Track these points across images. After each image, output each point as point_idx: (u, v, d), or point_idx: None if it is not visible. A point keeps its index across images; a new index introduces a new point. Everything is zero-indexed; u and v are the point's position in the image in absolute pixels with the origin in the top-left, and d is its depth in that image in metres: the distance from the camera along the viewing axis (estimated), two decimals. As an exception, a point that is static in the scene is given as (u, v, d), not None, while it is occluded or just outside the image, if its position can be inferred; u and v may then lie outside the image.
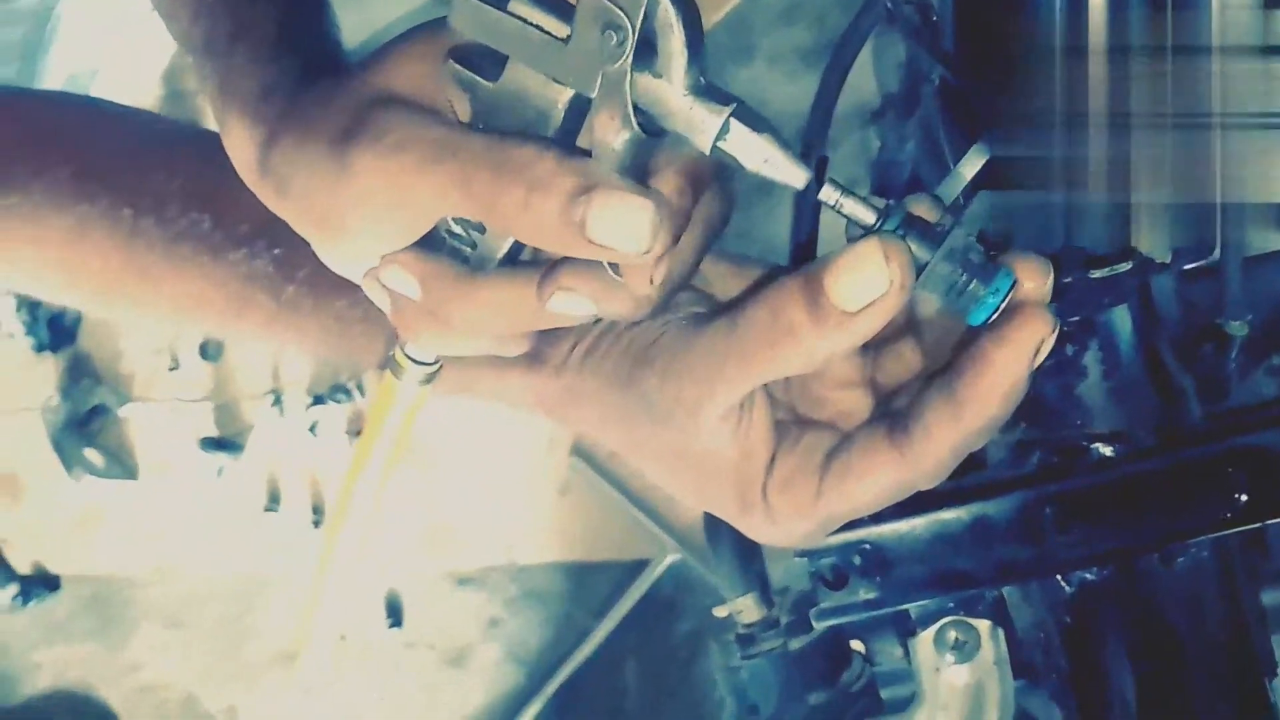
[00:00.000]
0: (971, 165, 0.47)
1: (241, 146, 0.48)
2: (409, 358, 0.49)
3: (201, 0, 0.50)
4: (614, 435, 0.51)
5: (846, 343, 0.44)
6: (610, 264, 0.43)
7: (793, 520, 0.47)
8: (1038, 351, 0.42)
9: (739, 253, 0.53)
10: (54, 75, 1.13)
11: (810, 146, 0.71)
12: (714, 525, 0.65)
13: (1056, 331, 0.41)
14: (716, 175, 0.44)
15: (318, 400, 1.71)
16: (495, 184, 0.41)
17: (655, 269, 0.42)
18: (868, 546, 0.58)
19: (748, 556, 0.66)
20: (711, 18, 1.56)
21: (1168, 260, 0.49)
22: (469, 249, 0.45)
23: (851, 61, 0.68)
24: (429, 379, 0.50)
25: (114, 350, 1.76)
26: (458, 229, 0.45)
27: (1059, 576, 0.60)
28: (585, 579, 1.66)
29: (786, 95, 1.59)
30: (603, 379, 0.50)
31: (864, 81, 0.91)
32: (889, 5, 0.57)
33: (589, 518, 1.65)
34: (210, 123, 0.52)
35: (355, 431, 1.71)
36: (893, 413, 0.46)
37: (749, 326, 0.45)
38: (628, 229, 0.40)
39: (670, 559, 1.62)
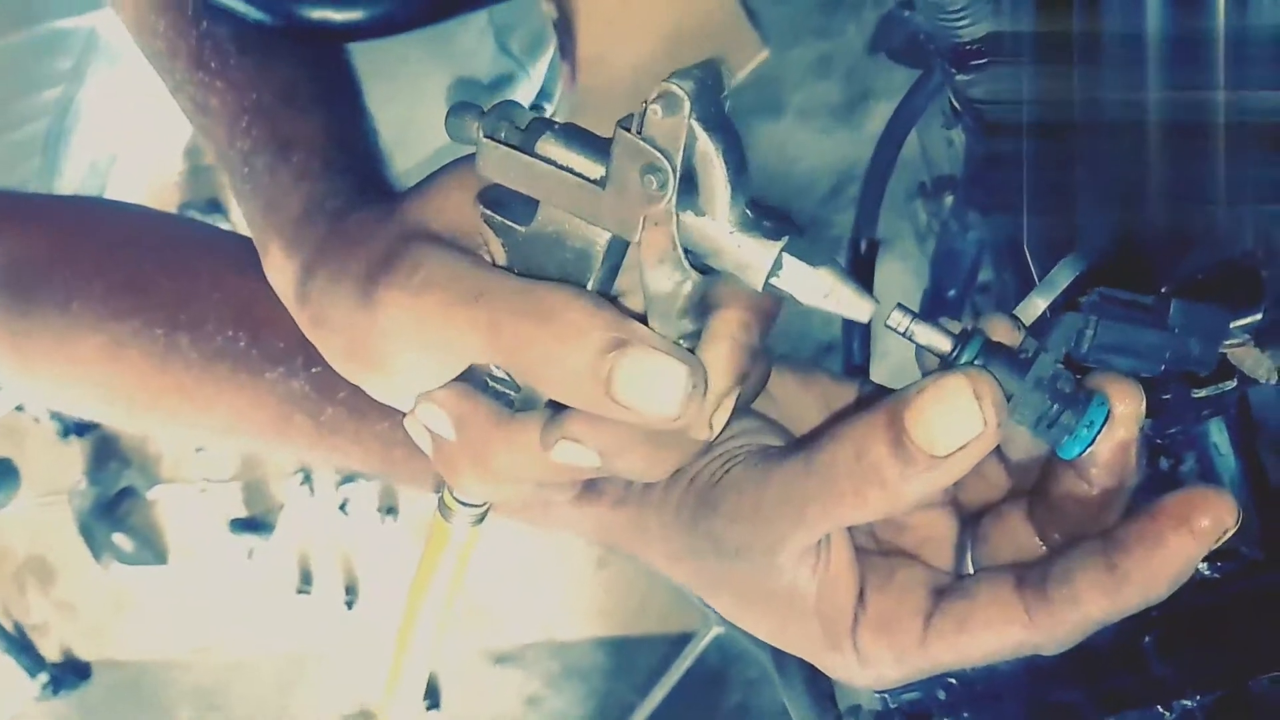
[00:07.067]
0: (1058, 283, 0.44)
1: (280, 272, 0.47)
2: (457, 500, 0.46)
3: (239, 116, 0.49)
4: (681, 572, 0.48)
5: (936, 486, 0.40)
6: None
7: (887, 665, 0.44)
8: (1219, 539, 0.39)
9: (802, 360, 0.50)
10: (75, 164, 1.13)
11: (861, 236, 0.67)
12: (781, 653, 0.62)
13: (1240, 522, 0.38)
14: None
15: (348, 478, 1.70)
16: (520, 333, 0.38)
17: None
18: (953, 681, 0.54)
19: (819, 684, 0.62)
20: (739, 73, 1.54)
21: (1274, 381, 0.46)
22: (513, 392, 0.42)
23: (900, 146, 0.65)
24: (480, 519, 0.47)
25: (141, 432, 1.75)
26: (500, 373, 0.42)
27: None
28: (628, 654, 1.63)
29: (817, 150, 1.57)
30: (667, 516, 0.47)
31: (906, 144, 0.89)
32: (953, 103, 0.54)
33: (629, 591, 1.62)
34: (232, 199, 0.51)
35: (387, 509, 1.69)
36: (1024, 569, 0.42)
37: (830, 470, 0.42)
38: (658, 392, 0.37)
39: (715, 631, 1.58)
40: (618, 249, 0.40)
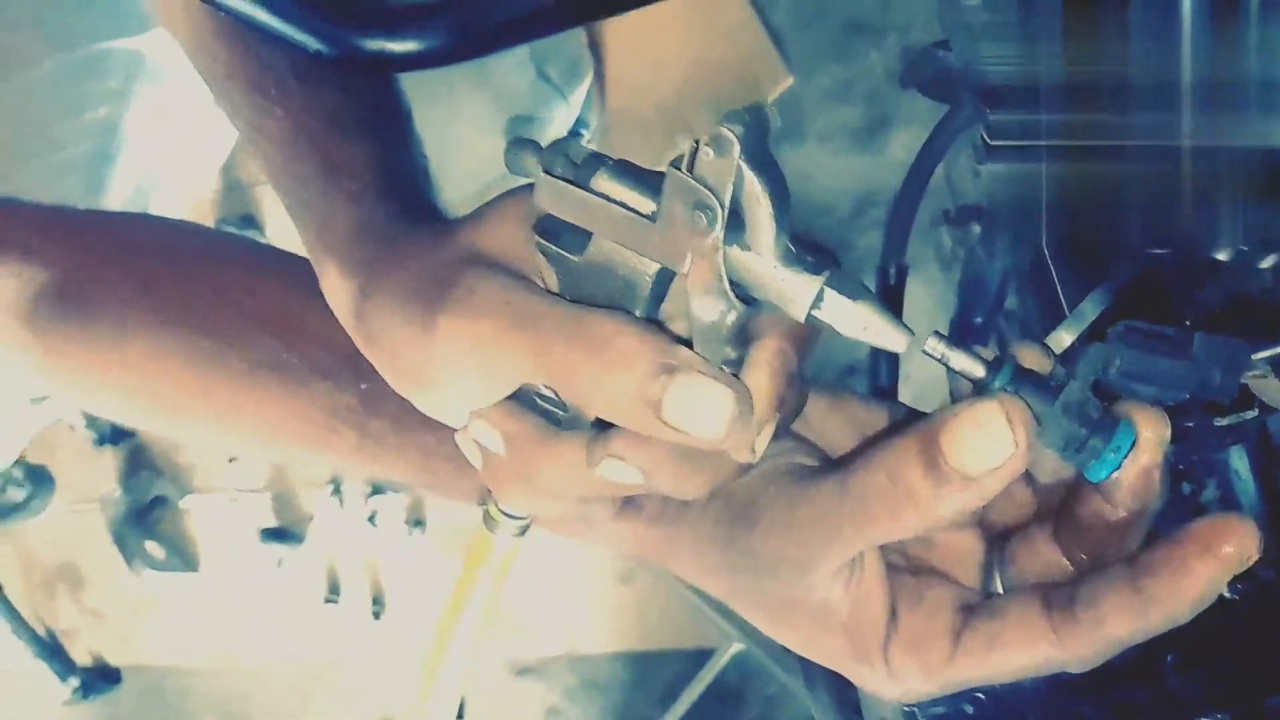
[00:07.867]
0: (1086, 315, 0.45)
1: (338, 292, 0.48)
2: (502, 513, 0.48)
3: (294, 140, 0.50)
4: (715, 586, 0.49)
5: (968, 507, 0.42)
6: None
7: (917, 681, 0.45)
8: (1242, 566, 0.40)
9: (831, 382, 0.51)
10: (120, 186, 1.13)
11: (888, 264, 0.69)
12: (809, 664, 0.63)
13: (1261, 550, 0.39)
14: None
15: (377, 490, 1.70)
16: (571, 358, 0.40)
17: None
18: (980, 695, 0.55)
19: (846, 695, 0.63)
20: (767, 98, 1.55)
21: (1291, 408, 0.47)
22: (560, 411, 0.44)
23: (929, 177, 0.67)
24: (522, 531, 0.49)
25: (174, 442, 1.76)
26: (548, 392, 0.44)
27: (1179, 721, 0.57)
28: (648, 668, 1.62)
29: (838, 174, 1.58)
30: (702, 533, 0.48)
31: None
32: (984, 138, 0.55)
33: (652, 606, 1.62)
34: (266, 216, 0.52)
35: (415, 521, 1.69)
36: (1051, 590, 0.44)
37: (865, 491, 0.43)
38: (706, 415, 0.39)
39: (735, 648, 1.58)
40: (665, 279, 0.41)
